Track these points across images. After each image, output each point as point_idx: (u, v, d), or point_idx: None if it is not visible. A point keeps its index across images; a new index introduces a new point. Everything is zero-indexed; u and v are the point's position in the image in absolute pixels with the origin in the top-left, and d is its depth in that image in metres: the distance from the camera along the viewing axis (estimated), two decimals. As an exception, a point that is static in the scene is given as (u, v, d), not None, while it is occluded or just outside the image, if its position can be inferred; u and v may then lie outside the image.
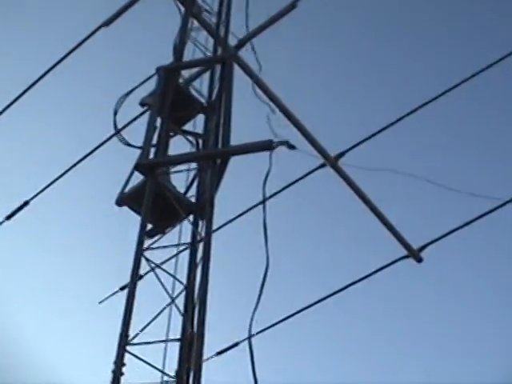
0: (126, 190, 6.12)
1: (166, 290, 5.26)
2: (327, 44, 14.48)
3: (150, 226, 6.10)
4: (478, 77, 7.99)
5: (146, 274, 5.53)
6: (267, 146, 5.82)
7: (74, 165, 7.37)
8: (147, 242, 5.60)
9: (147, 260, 5.40)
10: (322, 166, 8.71)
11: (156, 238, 5.89)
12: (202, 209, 5.98)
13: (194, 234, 5.88)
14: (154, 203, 5.98)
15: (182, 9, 7.58)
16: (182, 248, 5.72)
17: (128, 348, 4.63)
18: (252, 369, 4.61)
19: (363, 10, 13.60)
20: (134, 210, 6.16)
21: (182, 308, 5.18)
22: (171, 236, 6.00)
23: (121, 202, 6.09)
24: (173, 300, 5.20)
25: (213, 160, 5.98)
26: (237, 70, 7.96)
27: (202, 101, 6.77)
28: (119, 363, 4.53)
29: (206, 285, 5.20)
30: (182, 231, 5.94)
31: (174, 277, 5.45)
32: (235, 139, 6.33)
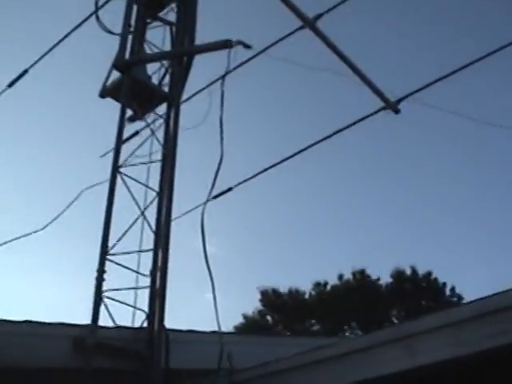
0: (108, 83, 6.96)
1: (136, 202, 6.20)
2: None
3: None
4: None
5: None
6: (226, 44, 6.49)
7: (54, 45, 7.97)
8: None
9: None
10: (301, 27, 9.22)
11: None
12: (174, 98, 6.84)
13: (168, 124, 6.80)
14: (133, 93, 6.86)
15: None
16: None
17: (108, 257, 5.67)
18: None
19: None
20: (117, 100, 7.04)
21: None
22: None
23: (103, 94, 6.96)
24: (143, 211, 6.18)
25: (179, 58, 6.71)
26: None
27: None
28: (101, 270, 5.60)
29: (171, 183, 6.20)
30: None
31: (146, 186, 6.34)
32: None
